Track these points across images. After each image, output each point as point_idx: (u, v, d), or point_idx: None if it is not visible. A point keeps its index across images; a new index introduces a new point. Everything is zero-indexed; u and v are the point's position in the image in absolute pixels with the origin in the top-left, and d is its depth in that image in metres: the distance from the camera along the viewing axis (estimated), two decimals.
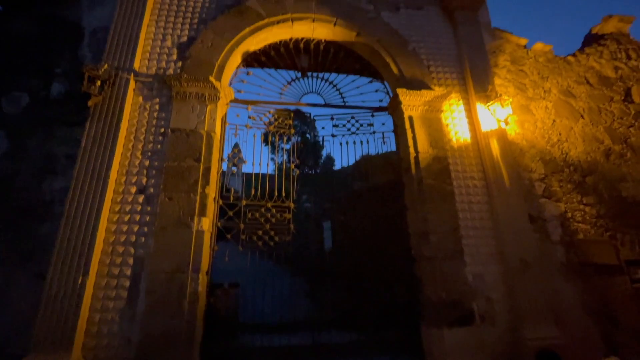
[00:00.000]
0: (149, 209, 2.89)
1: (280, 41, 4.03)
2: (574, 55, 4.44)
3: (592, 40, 4.70)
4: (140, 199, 2.92)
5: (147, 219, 2.86)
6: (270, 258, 3.59)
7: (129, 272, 2.68)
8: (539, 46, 4.36)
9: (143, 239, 2.79)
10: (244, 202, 3.40)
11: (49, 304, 2.40)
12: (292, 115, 3.91)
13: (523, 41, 4.33)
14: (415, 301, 3.30)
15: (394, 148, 3.91)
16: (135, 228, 2.82)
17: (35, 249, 2.69)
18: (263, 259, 3.51)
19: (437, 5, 4.31)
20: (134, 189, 2.94)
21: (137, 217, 2.86)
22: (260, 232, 3.37)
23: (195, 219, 2.89)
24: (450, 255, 3.15)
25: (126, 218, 2.84)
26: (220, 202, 3.30)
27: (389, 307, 3.78)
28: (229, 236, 3.26)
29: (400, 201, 3.66)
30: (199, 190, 2.99)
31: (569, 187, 3.70)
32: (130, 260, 2.72)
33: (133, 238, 2.79)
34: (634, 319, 3.27)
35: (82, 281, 2.47)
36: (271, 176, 3.67)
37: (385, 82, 4.16)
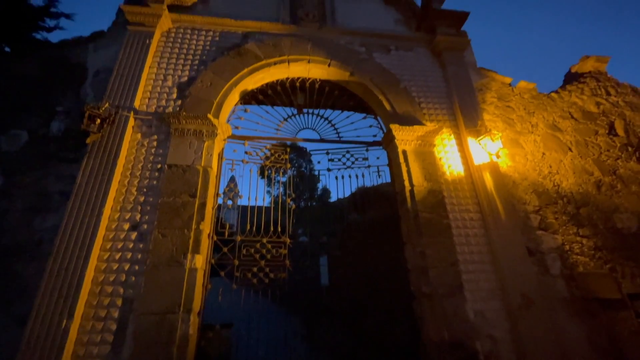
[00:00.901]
0: (141, 246, 2.83)
1: (277, 80, 4.21)
2: (556, 92, 4.67)
3: (572, 78, 4.97)
4: (133, 235, 2.86)
5: (139, 256, 2.79)
6: (265, 295, 3.46)
7: (116, 314, 2.56)
8: (522, 84, 4.59)
9: (133, 278, 2.70)
10: (238, 238, 3.35)
11: (28, 350, 2.26)
12: (288, 150, 3.98)
13: (508, 79, 4.57)
14: (417, 341, 3.16)
15: (388, 180, 3.95)
16: (126, 266, 2.74)
17: (19, 291, 2.58)
18: (257, 296, 3.38)
19: (426, 47, 4.58)
20: (127, 226, 2.90)
21: (129, 255, 2.79)
22: (255, 269, 3.28)
23: (189, 256, 2.82)
24: (450, 291, 3.07)
25: (117, 256, 2.77)
26: (215, 238, 3.25)
27: (389, 348, 3.60)
28: (222, 273, 3.17)
29: (398, 235, 3.63)
30: (194, 226, 2.95)
31: (564, 218, 3.72)
32: (119, 301, 2.61)
33: (123, 277, 2.70)
34: None
35: (65, 325, 2.35)
36: (267, 209, 3.66)
37: (379, 118, 4.30)
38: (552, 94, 4.62)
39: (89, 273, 2.58)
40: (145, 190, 3.06)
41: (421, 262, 3.23)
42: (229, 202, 3.51)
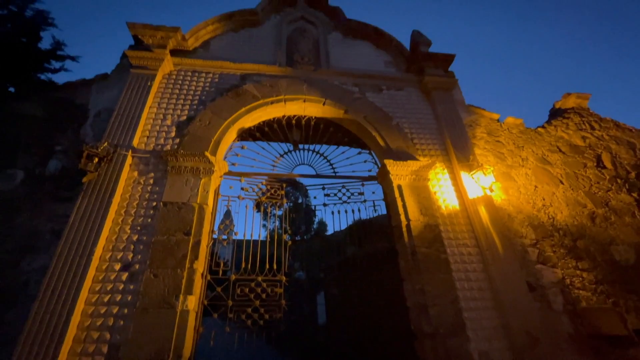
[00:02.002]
0: (132, 287, 2.74)
1: (274, 118, 4.34)
2: (543, 127, 4.86)
3: (556, 113, 5.20)
4: (124, 276, 2.78)
5: (129, 298, 2.69)
6: (260, 337, 3.30)
7: None
8: (510, 120, 4.78)
9: (122, 322, 2.58)
10: (233, 277, 3.26)
11: None
12: (284, 186, 4.01)
13: (495, 115, 4.76)
14: None
15: (384, 213, 3.95)
16: (115, 309, 2.63)
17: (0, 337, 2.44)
18: (252, 338, 3.22)
19: (416, 87, 4.82)
20: (118, 266, 2.82)
21: (118, 297, 2.68)
22: (249, 310, 3.16)
23: (181, 297, 2.72)
24: (452, 330, 2.96)
25: (106, 298, 2.66)
26: (209, 277, 3.15)
27: None
28: (215, 315, 3.04)
29: (396, 270, 3.56)
30: (187, 265, 2.88)
31: (562, 251, 3.70)
32: (105, 348, 2.47)
33: (111, 321, 2.58)
34: None
35: None
36: (263, 243, 3.60)
37: (373, 153, 4.39)
38: (539, 129, 4.80)
39: (75, 317, 2.47)
40: (139, 228, 3.02)
41: (421, 299, 3.15)
42: (224, 238, 3.46)
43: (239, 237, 3.55)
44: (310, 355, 5.66)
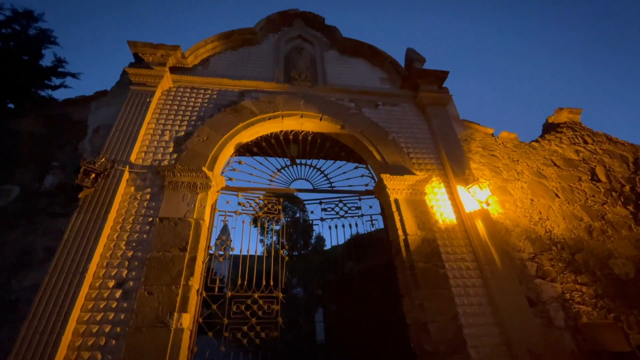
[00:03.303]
0: (125, 305, 2.68)
1: (271, 133, 4.39)
2: (537, 141, 4.92)
3: (550, 128, 5.28)
4: (118, 294, 2.72)
5: (122, 317, 2.62)
6: (256, 357, 3.21)
7: None
8: (504, 134, 4.85)
9: (114, 342, 2.51)
10: (229, 294, 3.20)
11: None
12: (281, 200, 4.00)
13: (490, 130, 4.83)
14: None
15: (381, 227, 3.94)
16: (107, 328, 2.56)
17: None
18: (247, 357, 3.13)
19: (411, 102, 4.91)
20: (112, 283, 2.77)
21: (111, 316, 2.62)
22: (245, 328, 3.09)
23: (175, 315, 2.66)
24: (453, 348, 2.89)
25: (98, 317, 2.60)
26: (204, 294, 3.10)
27: None
28: (210, 334, 2.96)
29: (395, 285, 3.52)
30: (182, 282, 2.83)
31: (560, 265, 3.68)
32: None
33: (102, 341, 2.51)
34: None
35: None
36: (259, 258, 3.55)
37: (370, 168, 4.42)
38: (533, 143, 4.87)
39: (66, 337, 2.40)
40: (134, 244, 2.99)
41: (420, 315, 3.09)
42: (221, 254, 3.41)
43: (236, 252, 3.51)
44: None
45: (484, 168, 4.36)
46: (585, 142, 5.04)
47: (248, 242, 3.58)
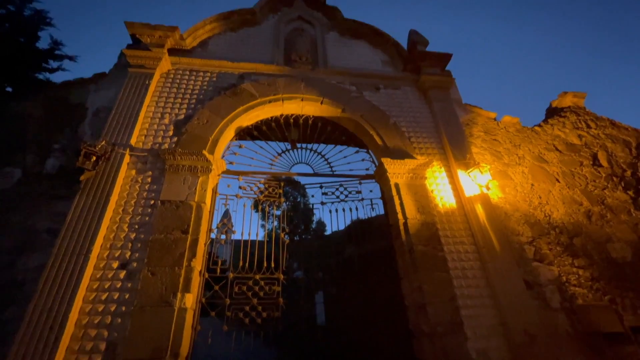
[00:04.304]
0: (129, 285, 2.74)
1: (272, 117, 4.35)
2: (539, 125, 4.88)
3: (553, 112, 5.22)
4: (122, 274, 2.78)
5: (127, 296, 2.68)
6: (257, 337, 3.29)
7: None
8: (507, 118, 4.81)
9: (119, 320, 2.58)
10: (231, 275, 3.26)
11: None
12: (282, 184, 4.01)
13: (492, 114, 4.78)
14: None
15: (382, 212, 3.96)
16: (112, 307, 2.63)
17: None
18: (249, 338, 3.22)
19: (413, 86, 4.84)
20: (116, 264, 2.82)
21: (116, 295, 2.68)
22: (247, 308, 3.16)
23: (179, 295, 2.72)
24: (450, 329, 2.96)
25: (104, 296, 2.66)
26: (206, 275, 3.15)
27: None
28: (213, 313, 3.03)
29: (394, 268, 3.57)
30: (185, 263, 2.88)
31: (558, 249, 3.71)
32: (102, 346, 2.46)
33: (108, 319, 2.58)
34: None
35: None
36: (260, 243, 3.60)
37: (371, 152, 4.41)
38: (536, 128, 4.83)
39: (73, 315, 2.46)
40: (137, 226, 3.02)
41: (419, 297, 3.15)
42: (222, 237, 3.46)
43: (237, 235, 3.55)
44: (309, 356, 5.65)
45: (485, 152, 4.34)
46: (589, 126, 4.99)
47: (249, 226, 3.62)
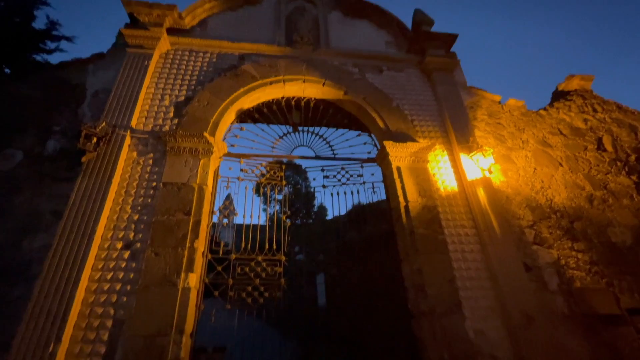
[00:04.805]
0: (134, 265, 2.78)
1: (273, 99, 4.30)
2: (545, 109, 4.81)
3: (559, 96, 5.13)
4: (126, 254, 2.82)
5: (131, 276, 2.73)
6: (260, 318, 3.37)
7: (105, 336, 2.48)
8: (512, 102, 4.73)
9: (125, 299, 2.64)
10: (233, 256, 3.31)
11: None
12: (283, 167, 4.01)
13: (497, 97, 4.71)
14: None
15: (383, 197, 3.97)
16: (118, 286, 2.68)
17: (3, 313, 2.48)
18: (252, 318, 3.30)
19: (417, 68, 4.74)
20: (120, 245, 2.86)
21: (121, 275, 2.73)
22: (249, 288, 3.22)
23: (182, 275, 2.77)
24: (448, 309, 3.02)
25: (109, 276, 2.71)
26: (209, 256, 3.20)
27: None
28: (216, 293, 3.10)
29: (394, 252, 3.61)
30: (188, 244, 2.91)
31: (558, 233, 3.73)
32: (109, 323, 2.53)
33: (114, 297, 2.63)
34: None
35: (53, 349, 2.26)
36: (262, 227, 3.63)
37: (373, 135, 4.37)
38: (541, 111, 4.76)
39: (79, 294, 2.52)
40: (139, 208, 3.04)
41: (418, 279, 3.20)
42: (225, 220, 3.48)
43: (239, 218, 3.58)
44: (310, 337, 5.80)
45: (489, 136, 4.29)
46: (595, 110, 4.92)
47: (251, 208, 3.63)
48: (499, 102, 4.71)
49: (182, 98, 3.79)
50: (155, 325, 2.54)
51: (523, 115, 4.64)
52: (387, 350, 3.75)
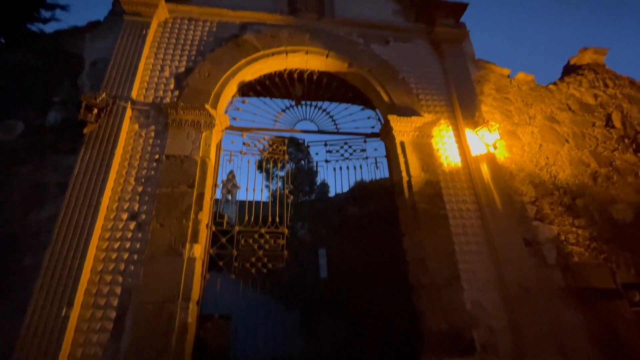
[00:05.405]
0: (140, 235, 2.84)
1: (275, 72, 4.19)
2: (554, 84, 4.67)
3: (570, 70, 4.97)
4: (132, 225, 2.87)
5: (138, 246, 2.79)
6: (264, 290, 3.47)
7: (115, 302, 2.57)
8: (521, 76, 4.59)
9: (132, 267, 2.71)
10: (237, 228, 3.36)
11: (28, 338, 2.27)
12: (286, 141, 3.98)
13: (506, 71, 4.57)
14: (415, 332, 3.18)
15: (386, 173, 3.96)
16: (125, 256, 2.75)
17: (16, 281, 2.56)
18: (256, 290, 3.40)
19: (424, 39, 4.57)
20: (125, 216, 2.90)
21: (128, 245, 2.79)
22: (253, 259, 3.29)
23: (187, 245, 2.83)
24: (447, 281, 3.09)
25: (116, 245, 2.77)
26: (213, 228, 3.25)
27: (388, 340, 3.62)
28: (221, 263, 3.18)
29: (396, 227, 3.65)
30: (192, 216, 2.95)
31: (560, 209, 3.74)
32: (118, 290, 2.62)
33: (122, 266, 2.71)
34: (636, 344, 3.18)
35: (65, 313, 2.36)
36: (265, 204, 3.66)
37: (377, 110, 4.29)
38: (550, 86, 4.63)
39: (88, 262, 2.59)
40: (143, 180, 3.06)
41: (419, 253, 3.25)
42: (228, 195, 3.50)
43: (242, 193, 3.60)
44: (311, 307, 6.00)
45: (495, 111, 4.21)
46: (606, 85, 4.77)
47: (254, 183, 3.65)
48: (508, 76, 4.57)
49: (183, 69, 3.70)
50: (162, 293, 2.63)
51: (532, 90, 4.52)
52: (387, 321, 3.89)
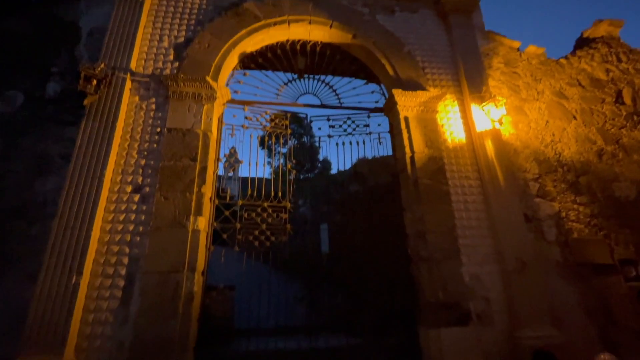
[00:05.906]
0: (144, 208, 2.87)
1: (277, 43, 4.06)
2: (566, 58, 4.52)
3: (583, 43, 4.79)
4: (136, 198, 2.90)
5: (143, 218, 2.84)
6: (267, 262, 3.55)
7: (123, 271, 2.65)
8: (531, 49, 4.43)
9: (138, 239, 2.77)
10: (240, 202, 3.39)
11: (40, 303, 2.36)
12: (288, 115, 3.92)
13: (516, 44, 4.40)
14: (414, 303, 3.29)
15: (389, 149, 3.94)
16: (131, 227, 2.80)
17: (25, 249, 2.63)
18: (259, 262, 3.48)
19: (432, 9, 4.38)
20: (129, 188, 2.92)
21: (133, 217, 2.83)
22: (256, 232, 3.35)
23: (191, 218, 2.87)
24: (447, 255, 3.15)
25: (121, 217, 2.82)
26: (217, 201, 3.28)
27: (388, 311, 3.75)
28: (225, 236, 3.24)
29: (397, 203, 3.67)
30: (195, 189, 2.97)
31: (562, 186, 3.74)
32: (125, 260, 2.69)
33: (128, 237, 2.76)
34: (630, 317, 3.28)
35: (75, 280, 2.44)
36: (268, 180, 3.67)
37: (381, 84, 4.19)
38: (561, 60, 4.48)
39: (95, 232, 2.64)
40: (145, 153, 3.06)
41: (420, 227, 3.29)
42: (230, 171, 3.51)
43: (244, 168, 3.61)
44: (313, 280, 6.16)
45: (503, 86, 4.10)
46: (619, 60, 4.61)
47: (256, 157, 3.63)
48: (518, 49, 4.41)
49: (182, 39, 3.59)
50: (168, 263, 2.70)
51: (542, 64, 4.38)
52: (386, 292, 4.01)
